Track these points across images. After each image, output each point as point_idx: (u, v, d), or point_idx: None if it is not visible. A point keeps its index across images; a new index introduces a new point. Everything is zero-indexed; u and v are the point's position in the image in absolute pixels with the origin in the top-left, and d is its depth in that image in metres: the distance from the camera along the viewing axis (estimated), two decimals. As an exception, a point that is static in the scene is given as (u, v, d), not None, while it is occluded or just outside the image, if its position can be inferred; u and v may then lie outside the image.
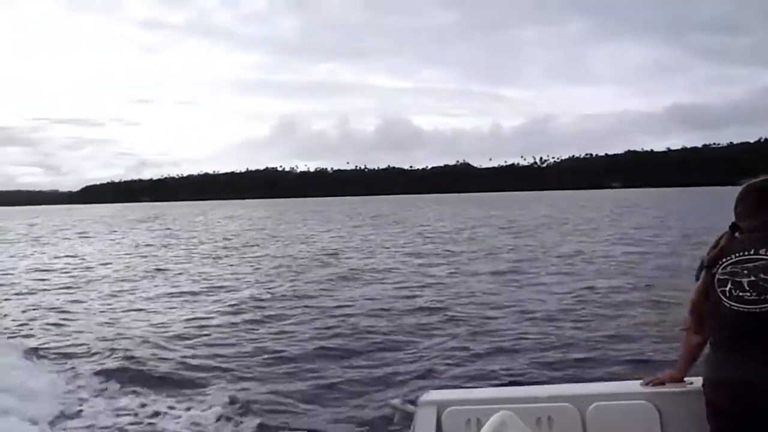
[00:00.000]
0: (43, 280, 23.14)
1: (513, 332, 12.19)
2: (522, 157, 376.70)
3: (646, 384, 3.75)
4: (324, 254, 29.45)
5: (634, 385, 3.84)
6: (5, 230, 66.04)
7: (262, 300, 17.00)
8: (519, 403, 3.77)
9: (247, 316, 14.80)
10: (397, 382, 9.08)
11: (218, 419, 8.07)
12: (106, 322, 14.67)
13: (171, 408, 8.59)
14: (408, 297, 16.71)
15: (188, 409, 8.51)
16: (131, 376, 10.19)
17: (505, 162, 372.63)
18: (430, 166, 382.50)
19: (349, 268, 23.55)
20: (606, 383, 4.68)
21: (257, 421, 7.99)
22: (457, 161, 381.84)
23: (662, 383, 3.70)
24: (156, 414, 8.39)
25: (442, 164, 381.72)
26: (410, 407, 4.16)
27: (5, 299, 18.97)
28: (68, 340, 12.87)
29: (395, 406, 4.25)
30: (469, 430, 3.87)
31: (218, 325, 13.93)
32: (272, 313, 15.08)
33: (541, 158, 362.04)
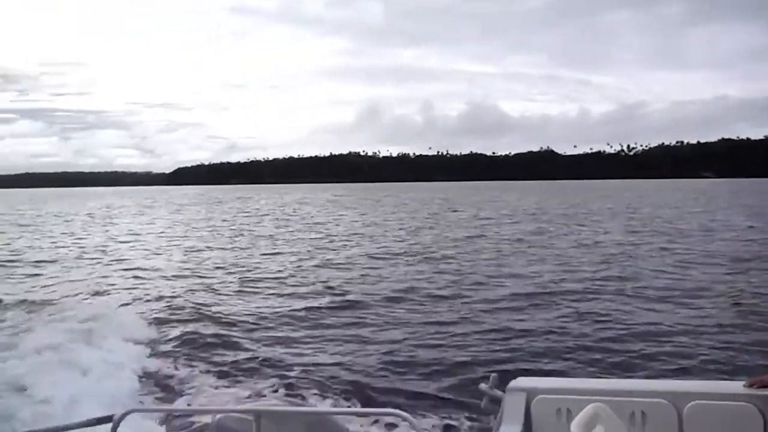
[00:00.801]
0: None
1: (613, 322, 12.05)
2: (608, 144, 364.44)
3: (750, 386, 3.59)
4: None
5: (736, 386, 3.69)
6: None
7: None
8: (611, 395, 3.70)
9: (351, 297, 15.16)
10: (487, 367, 9.11)
11: (314, 392, 8.36)
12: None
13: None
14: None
15: (282, 379, 8.86)
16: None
17: (591, 149, 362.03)
18: (513, 153, 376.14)
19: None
20: (705, 382, 4.49)
21: (352, 397, 8.26)
22: (541, 148, 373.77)
23: (768, 387, 3.53)
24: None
25: (525, 151, 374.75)
26: (498, 392, 4.15)
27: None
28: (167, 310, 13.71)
29: (484, 391, 4.25)
30: (559, 420, 3.83)
31: (317, 307, 14.21)
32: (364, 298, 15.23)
33: (628, 146, 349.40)
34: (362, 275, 18.73)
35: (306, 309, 13.95)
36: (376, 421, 6.94)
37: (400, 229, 36.05)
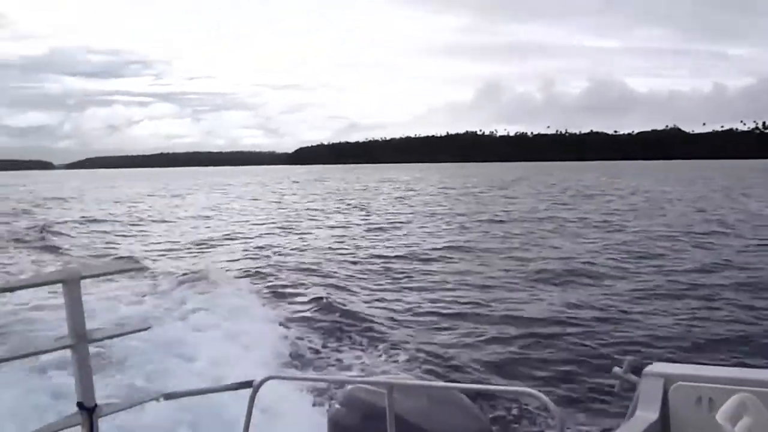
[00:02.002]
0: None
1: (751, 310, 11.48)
2: (742, 122, 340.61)
3: None
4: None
5: None
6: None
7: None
8: (759, 386, 3.49)
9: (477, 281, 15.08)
10: (622, 351, 8.89)
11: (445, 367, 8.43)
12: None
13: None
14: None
15: (414, 354, 9.03)
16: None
17: (722, 127, 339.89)
18: (636, 131, 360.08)
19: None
20: None
21: (484, 374, 8.29)
22: (666, 126, 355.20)
23: None
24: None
25: (648, 129, 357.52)
26: (634, 377, 4.01)
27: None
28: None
29: (618, 375, 4.12)
30: (700, 409, 3.65)
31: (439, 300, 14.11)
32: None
33: (764, 123, 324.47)
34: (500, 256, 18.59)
35: (439, 288, 14.06)
36: (508, 400, 6.91)
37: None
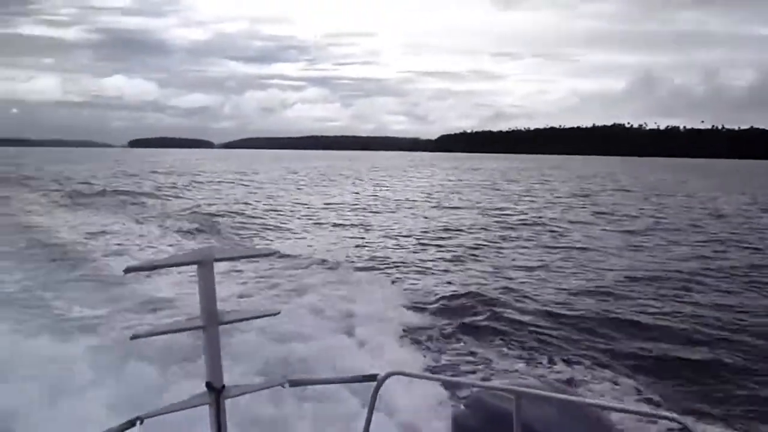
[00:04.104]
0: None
1: None
2: None
3: None
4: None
5: None
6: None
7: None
8: None
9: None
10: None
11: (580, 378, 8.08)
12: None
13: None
14: None
15: (548, 360, 8.72)
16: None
17: None
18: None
19: None
20: None
21: (624, 391, 7.85)
22: None
23: None
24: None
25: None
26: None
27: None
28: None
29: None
30: None
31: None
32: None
33: None
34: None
35: (598, 292, 13.43)
36: (647, 423, 6.45)
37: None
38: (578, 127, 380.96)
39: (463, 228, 23.62)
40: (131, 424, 2.70)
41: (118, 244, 16.88)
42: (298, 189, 44.71)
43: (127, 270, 2.83)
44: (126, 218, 22.63)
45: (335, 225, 24.08)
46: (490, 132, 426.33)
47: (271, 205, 31.03)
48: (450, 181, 59.84)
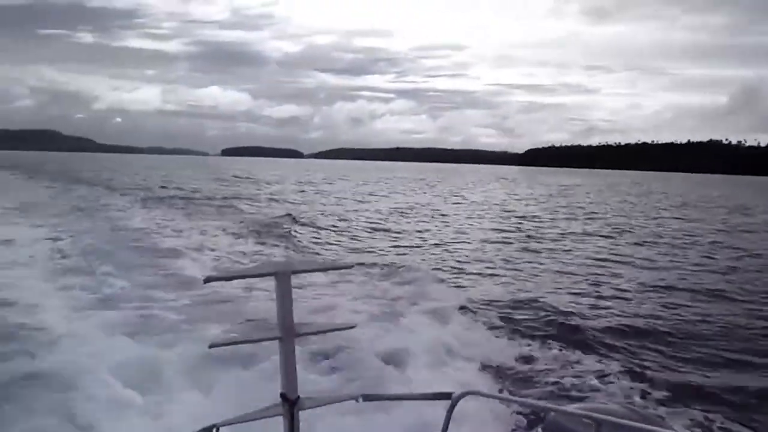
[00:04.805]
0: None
1: None
2: None
3: None
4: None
5: None
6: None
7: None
8: None
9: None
10: None
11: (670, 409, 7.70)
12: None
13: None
14: None
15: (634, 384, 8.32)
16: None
17: None
18: None
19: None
20: None
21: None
22: None
23: None
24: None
25: None
26: None
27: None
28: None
29: None
30: None
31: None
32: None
33: None
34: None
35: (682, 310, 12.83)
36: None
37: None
38: (672, 143, 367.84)
39: (546, 240, 23.16)
40: (208, 431, 2.76)
41: (199, 250, 17.34)
42: (383, 197, 44.96)
43: (207, 279, 2.90)
44: (210, 224, 23.22)
45: (417, 237, 23.97)
46: (580, 146, 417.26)
47: (355, 215, 31.17)
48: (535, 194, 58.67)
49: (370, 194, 50.60)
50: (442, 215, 33.86)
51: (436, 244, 21.97)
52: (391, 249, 20.15)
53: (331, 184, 69.53)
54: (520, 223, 30.53)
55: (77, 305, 10.50)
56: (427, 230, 26.42)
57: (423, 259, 18.24)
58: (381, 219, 29.98)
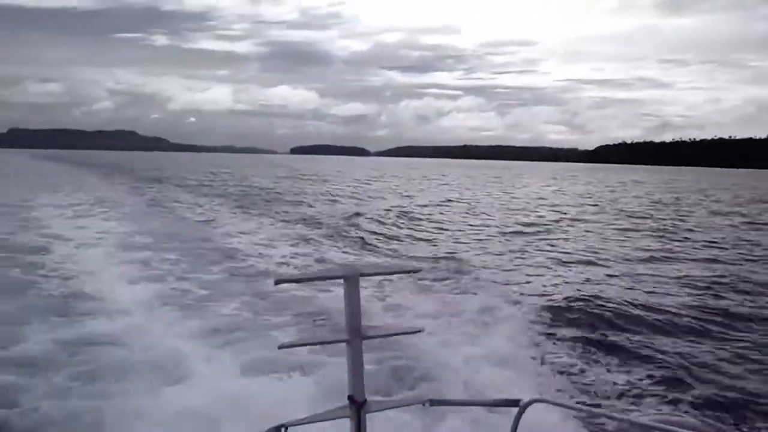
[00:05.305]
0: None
1: None
2: None
3: None
4: None
5: None
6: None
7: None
8: None
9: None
10: None
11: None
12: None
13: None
14: None
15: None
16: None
17: None
18: None
19: None
20: None
21: None
22: None
23: None
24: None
25: None
26: None
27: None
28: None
29: None
30: None
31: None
32: None
33: None
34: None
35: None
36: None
37: None
38: (751, 139, 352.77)
39: (626, 243, 22.49)
40: (277, 430, 2.81)
41: (269, 246, 17.68)
42: (448, 196, 44.63)
43: (277, 282, 2.96)
44: (281, 224, 23.54)
45: (488, 242, 23.37)
46: (652, 143, 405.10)
47: (425, 215, 30.88)
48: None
49: (437, 193, 50.24)
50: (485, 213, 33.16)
51: (499, 246, 21.61)
52: (458, 250, 19.91)
53: (396, 181, 69.51)
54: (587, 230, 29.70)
55: (145, 301, 10.84)
56: (484, 227, 26.13)
57: (488, 262, 17.87)
58: (447, 219, 29.74)
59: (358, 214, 27.58)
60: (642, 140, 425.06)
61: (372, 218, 26.91)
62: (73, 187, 37.54)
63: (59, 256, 14.53)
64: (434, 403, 3.22)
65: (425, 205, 36.15)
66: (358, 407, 2.85)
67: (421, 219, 28.57)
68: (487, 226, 27.23)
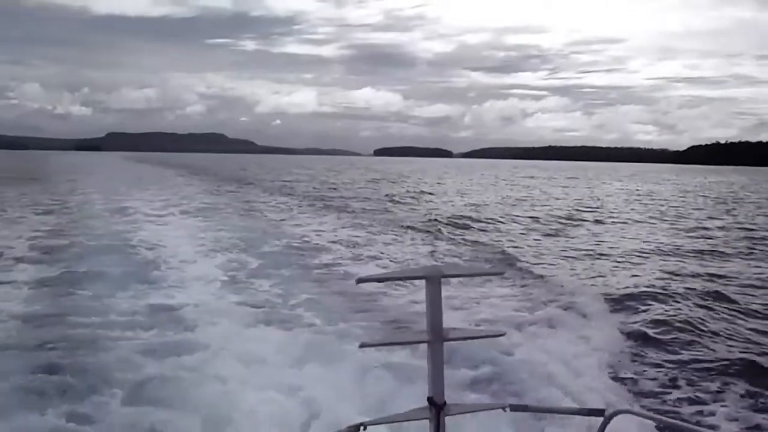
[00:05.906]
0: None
1: None
2: None
3: None
4: None
5: None
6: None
7: None
8: None
9: None
10: None
11: None
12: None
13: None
14: None
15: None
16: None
17: None
18: None
19: None
20: None
21: None
22: None
23: None
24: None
25: None
26: None
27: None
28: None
29: None
30: None
31: None
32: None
33: None
34: None
35: None
36: None
37: None
38: None
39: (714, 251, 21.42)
40: (356, 429, 2.81)
41: (354, 248, 17.76)
42: (533, 197, 43.78)
43: (359, 280, 2.96)
44: (364, 224, 23.60)
45: (573, 249, 22.69)
46: (748, 143, 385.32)
47: (507, 216, 30.33)
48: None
49: (522, 194, 49.37)
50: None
51: (587, 250, 20.87)
52: (542, 253, 19.37)
53: (479, 180, 68.84)
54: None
55: (229, 298, 11.16)
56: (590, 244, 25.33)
57: (573, 267, 17.32)
58: (530, 222, 29.12)
59: (441, 217, 27.42)
60: (737, 140, 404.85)
61: (461, 221, 26.61)
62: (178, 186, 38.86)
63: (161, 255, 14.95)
64: (515, 408, 3.16)
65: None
66: (437, 410, 2.81)
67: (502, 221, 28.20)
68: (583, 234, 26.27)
